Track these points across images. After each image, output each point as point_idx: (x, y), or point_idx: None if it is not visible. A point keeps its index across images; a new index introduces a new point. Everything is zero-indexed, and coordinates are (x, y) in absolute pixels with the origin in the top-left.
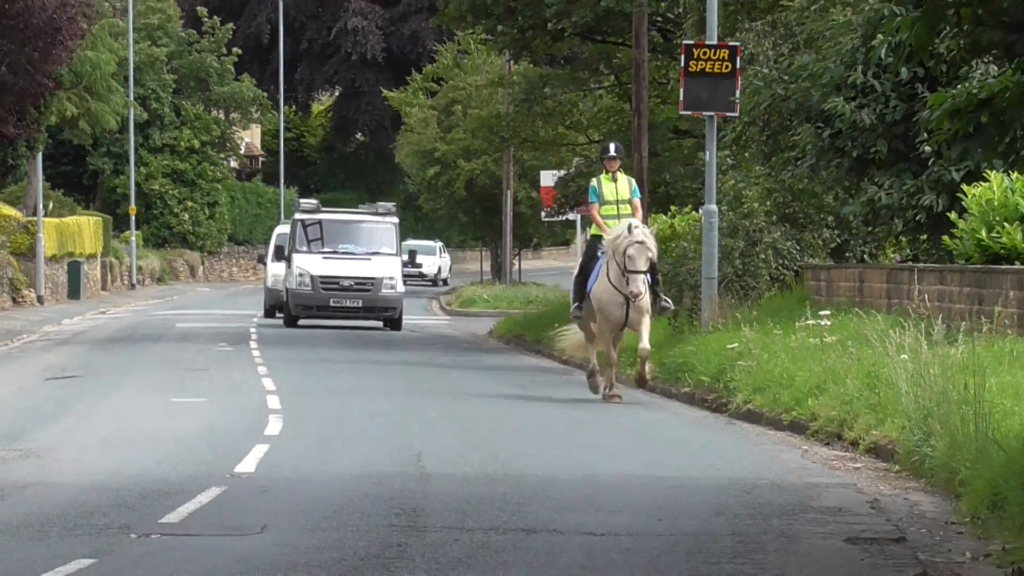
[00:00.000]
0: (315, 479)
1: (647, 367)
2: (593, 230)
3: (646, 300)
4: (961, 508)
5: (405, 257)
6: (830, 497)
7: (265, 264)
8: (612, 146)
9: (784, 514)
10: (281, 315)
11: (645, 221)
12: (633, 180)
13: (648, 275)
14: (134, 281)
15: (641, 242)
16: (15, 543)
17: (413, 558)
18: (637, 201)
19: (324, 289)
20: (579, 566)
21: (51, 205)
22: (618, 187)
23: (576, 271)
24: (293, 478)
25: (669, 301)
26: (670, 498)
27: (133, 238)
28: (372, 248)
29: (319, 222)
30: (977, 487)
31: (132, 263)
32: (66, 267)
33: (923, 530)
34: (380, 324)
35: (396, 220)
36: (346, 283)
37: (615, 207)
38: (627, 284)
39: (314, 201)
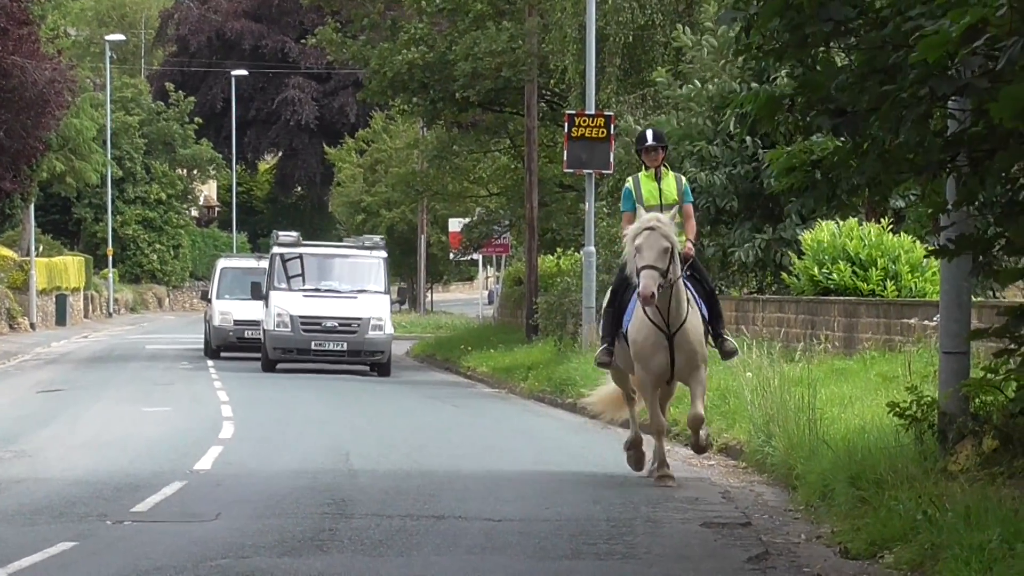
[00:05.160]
0: (261, 474)
1: (701, 435)
2: None
3: (695, 333)
4: (797, 498)
5: (395, 295)
6: (689, 489)
7: (210, 300)
8: (650, 133)
9: (650, 503)
10: (227, 355)
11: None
12: (684, 179)
13: (703, 306)
14: (111, 311)
15: (652, 228)
16: (10, 529)
17: (342, 540)
18: (690, 207)
19: (305, 331)
20: (480, 547)
21: (42, 247)
22: (663, 187)
23: (607, 299)
24: (242, 474)
25: (733, 342)
26: (556, 489)
27: (111, 275)
28: (358, 285)
29: (299, 256)
30: (810, 480)
31: (110, 295)
32: (54, 299)
33: (766, 516)
34: (367, 369)
35: (384, 255)
36: (329, 324)
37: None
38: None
39: (294, 233)
